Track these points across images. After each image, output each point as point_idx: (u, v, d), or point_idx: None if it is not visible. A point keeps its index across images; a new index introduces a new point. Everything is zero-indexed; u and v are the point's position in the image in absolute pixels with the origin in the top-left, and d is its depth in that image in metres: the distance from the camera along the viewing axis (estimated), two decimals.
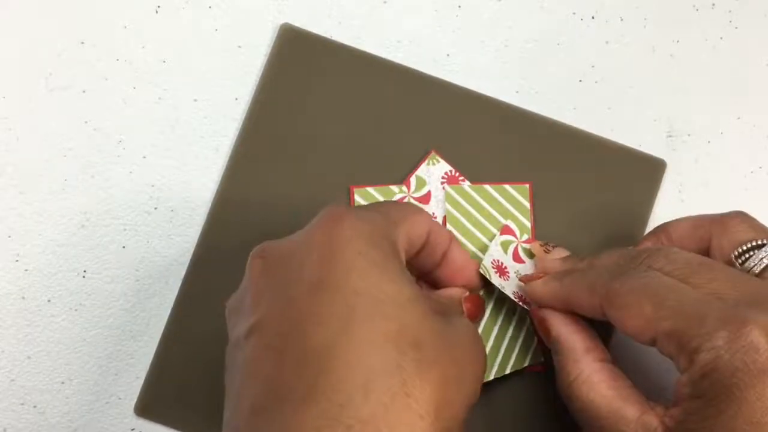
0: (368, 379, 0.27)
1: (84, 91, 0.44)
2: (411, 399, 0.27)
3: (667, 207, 0.43)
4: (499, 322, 0.40)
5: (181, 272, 0.42)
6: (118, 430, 0.41)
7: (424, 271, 0.37)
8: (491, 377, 0.39)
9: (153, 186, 0.43)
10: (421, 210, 0.35)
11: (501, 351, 0.40)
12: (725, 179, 0.44)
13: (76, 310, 0.42)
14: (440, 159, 0.42)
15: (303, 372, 0.27)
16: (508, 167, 0.43)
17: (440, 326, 0.30)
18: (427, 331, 0.29)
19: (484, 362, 0.33)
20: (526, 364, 0.40)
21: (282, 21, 0.45)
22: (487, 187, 0.42)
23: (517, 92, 0.45)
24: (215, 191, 0.43)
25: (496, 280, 0.39)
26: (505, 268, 0.40)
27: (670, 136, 0.45)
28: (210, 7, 0.45)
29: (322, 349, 0.28)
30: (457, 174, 0.42)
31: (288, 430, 0.26)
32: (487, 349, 0.39)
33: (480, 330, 0.40)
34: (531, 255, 0.41)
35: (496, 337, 0.40)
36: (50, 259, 0.43)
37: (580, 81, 0.45)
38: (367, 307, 0.29)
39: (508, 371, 0.39)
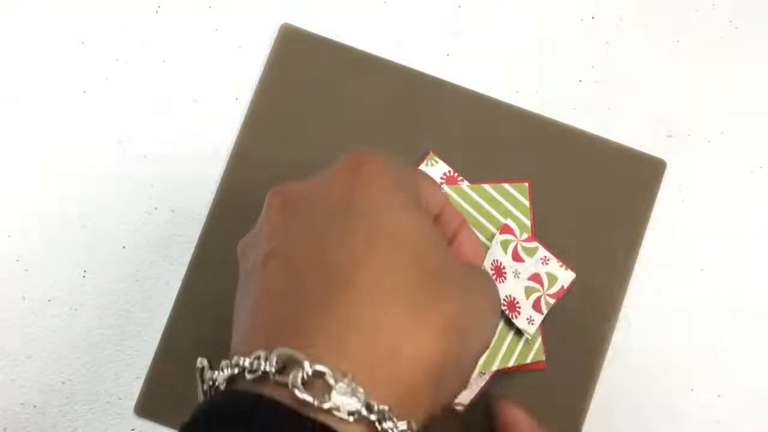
0: (386, 292, 0.27)
1: (84, 91, 0.44)
2: (424, 315, 0.27)
3: (667, 207, 0.43)
4: (503, 318, 0.40)
5: (181, 272, 0.42)
6: (118, 430, 0.41)
7: None
8: (494, 368, 0.39)
9: (153, 186, 0.43)
10: (440, 186, 0.35)
11: (504, 344, 0.40)
12: (725, 179, 0.44)
13: (76, 310, 0.42)
14: (438, 160, 0.42)
15: (321, 286, 0.27)
16: (507, 167, 0.43)
17: (460, 267, 0.30)
18: (447, 265, 0.30)
19: (497, 314, 0.33)
20: (528, 361, 0.40)
21: (282, 21, 0.45)
22: (486, 186, 0.42)
23: (517, 92, 0.45)
24: (215, 191, 0.43)
25: None
26: (503, 268, 0.40)
27: (670, 136, 0.45)
28: (210, 7, 0.45)
29: (341, 266, 0.28)
30: (456, 174, 0.42)
31: (303, 335, 0.26)
32: (492, 342, 0.39)
33: None
34: (531, 254, 0.41)
35: (501, 331, 0.40)
36: (50, 259, 0.43)
37: (580, 81, 0.45)
38: (389, 233, 0.29)
39: (511, 364, 0.39)
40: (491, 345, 0.39)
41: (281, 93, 0.44)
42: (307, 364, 0.25)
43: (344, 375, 0.25)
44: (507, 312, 0.39)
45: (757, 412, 0.42)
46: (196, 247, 0.42)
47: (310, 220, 0.30)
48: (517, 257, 0.41)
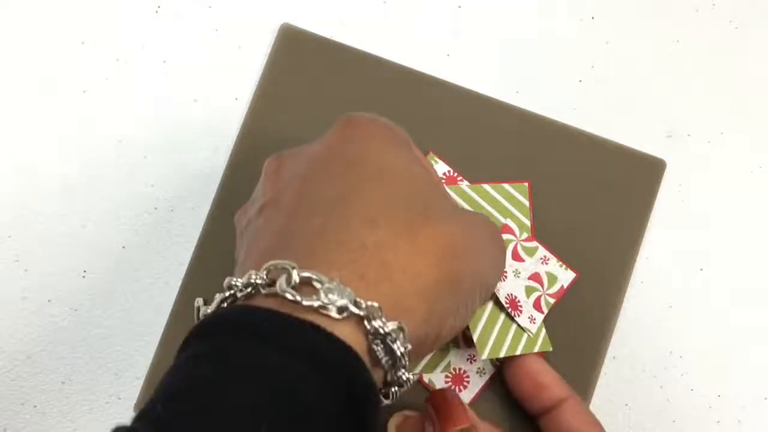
0: (375, 217, 0.27)
1: (84, 91, 0.44)
2: (414, 236, 0.27)
3: (667, 207, 0.43)
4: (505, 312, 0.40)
5: (181, 272, 0.42)
6: None
7: None
8: (501, 355, 0.38)
9: (153, 186, 0.43)
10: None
11: (510, 333, 0.39)
12: (725, 179, 0.44)
13: (76, 310, 0.42)
14: (438, 159, 0.42)
15: (313, 218, 0.28)
16: (507, 167, 0.43)
17: (453, 203, 0.31)
18: (439, 198, 0.30)
19: (499, 246, 0.33)
20: (535, 350, 0.39)
21: (282, 21, 0.45)
22: (486, 186, 0.42)
23: (517, 92, 0.45)
24: (215, 191, 0.43)
25: None
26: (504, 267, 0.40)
27: (670, 136, 0.45)
28: (210, 7, 0.45)
29: (332, 202, 0.28)
30: (456, 174, 0.42)
31: (294, 253, 0.26)
32: (495, 331, 0.39)
33: (487, 314, 0.39)
34: (531, 253, 0.41)
35: (505, 320, 0.39)
36: (50, 259, 0.43)
37: (580, 81, 0.45)
38: (382, 173, 0.29)
39: (518, 353, 0.39)
40: (497, 284, 0.39)
41: (281, 93, 0.44)
42: (295, 272, 0.25)
43: (332, 280, 0.25)
44: (510, 309, 0.39)
45: (757, 412, 0.42)
46: (196, 247, 0.42)
47: (302, 170, 0.30)
48: (517, 257, 0.41)
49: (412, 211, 0.28)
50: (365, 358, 0.25)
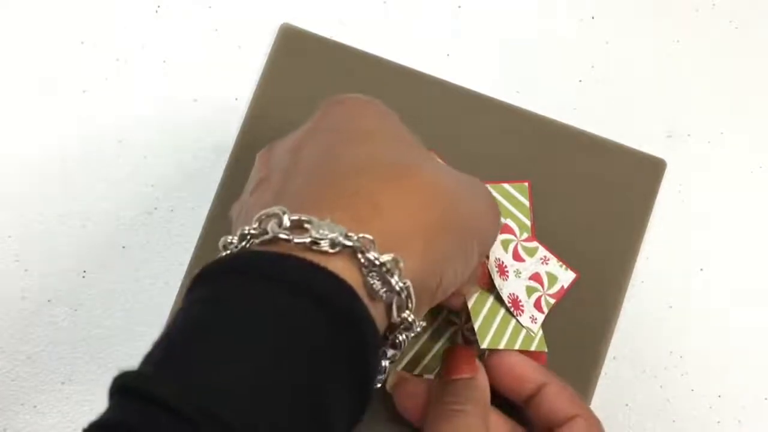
0: (365, 166, 0.28)
1: (84, 91, 0.44)
2: (403, 180, 0.28)
3: (667, 207, 0.43)
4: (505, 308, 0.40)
5: (181, 272, 0.42)
6: None
7: None
8: (501, 346, 0.38)
9: (153, 186, 0.43)
10: None
11: (510, 326, 0.39)
12: (725, 179, 0.44)
13: (76, 310, 0.42)
14: (440, 160, 0.42)
15: (303, 176, 0.28)
16: (507, 167, 0.43)
17: (447, 167, 0.31)
18: (429, 160, 0.30)
19: (488, 198, 0.33)
20: (532, 349, 0.39)
21: (282, 21, 0.45)
22: (486, 186, 0.42)
23: (518, 92, 0.45)
24: (215, 191, 0.43)
25: (497, 280, 0.39)
26: (505, 267, 0.40)
27: (670, 136, 0.45)
28: (210, 7, 0.45)
29: (321, 158, 0.29)
30: None
31: (286, 205, 0.26)
32: (496, 323, 0.39)
33: (488, 306, 0.39)
34: (531, 253, 0.41)
35: (504, 314, 0.39)
36: (50, 259, 0.43)
37: (580, 81, 0.45)
38: (367, 134, 0.30)
39: (516, 347, 0.39)
40: (496, 242, 0.39)
41: (281, 93, 0.44)
42: (285, 216, 0.25)
43: (323, 219, 0.25)
44: (512, 309, 0.39)
45: (757, 412, 0.42)
46: (196, 247, 0.42)
47: (289, 146, 0.31)
48: (517, 257, 0.41)
49: (400, 163, 0.28)
50: (361, 292, 0.25)
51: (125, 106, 0.44)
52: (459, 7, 0.46)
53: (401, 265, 0.25)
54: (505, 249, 0.41)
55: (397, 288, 0.25)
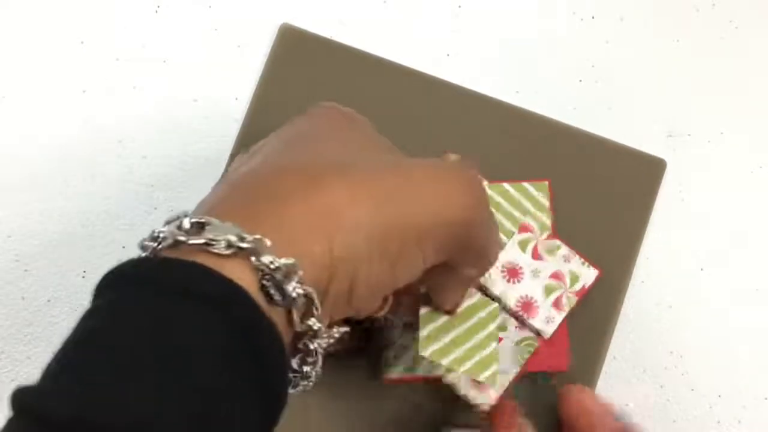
0: (287, 166, 0.28)
1: (84, 91, 0.44)
2: (322, 187, 0.26)
3: (667, 207, 0.43)
4: (486, 331, 0.38)
5: None
6: None
7: None
8: (443, 362, 0.36)
9: (153, 186, 0.43)
10: None
11: (462, 348, 0.37)
12: (725, 179, 0.44)
13: (76, 310, 0.42)
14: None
15: (228, 184, 0.28)
16: (507, 167, 0.43)
17: (401, 161, 0.30)
18: (373, 156, 0.29)
19: (456, 214, 0.29)
20: (479, 379, 0.37)
21: (282, 21, 0.45)
22: (506, 185, 0.42)
23: (518, 92, 0.45)
24: None
25: (500, 286, 0.39)
26: (520, 269, 0.40)
27: (670, 136, 0.45)
28: (210, 6, 0.45)
29: (255, 168, 0.28)
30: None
31: (201, 210, 0.27)
32: (447, 338, 0.37)
33: (443, 320, 0.37)
34: (552, 252, 0.41)
35: (461, 334, 0.38)
36: (50, 259, 0.43)
37: (580, 81, 0.45)
38: (307, 136, 0.30)
39: (461, 371, 0.37)
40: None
41: (281, 93, 0.44)
42: (186, 219, 0.24)
43: (223, 221, 0.24)
44: (521, 314, 0.39)
45: (757, 412, 0.42)
46: None
47: (249, 154, 0.31)
48: (536, 256, 0.40)
49: (325, 164, 0.28)
50: (257, 296, 0.24)
51: (125, 106, 0.44)
52: (459, 6, 0.46)
53: (299, 270, 0.24)
54: (523, 249, 0.41)
55: (294, 294, 0.24)
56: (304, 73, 0.44)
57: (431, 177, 0.29)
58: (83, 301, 0.43)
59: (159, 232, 0.25)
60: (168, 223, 0.26)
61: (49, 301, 0.42)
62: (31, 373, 0.42)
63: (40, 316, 0.42)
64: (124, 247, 0.43)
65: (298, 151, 0.29)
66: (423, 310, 0.36)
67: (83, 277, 0.43)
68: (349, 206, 0.26)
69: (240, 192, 0.27)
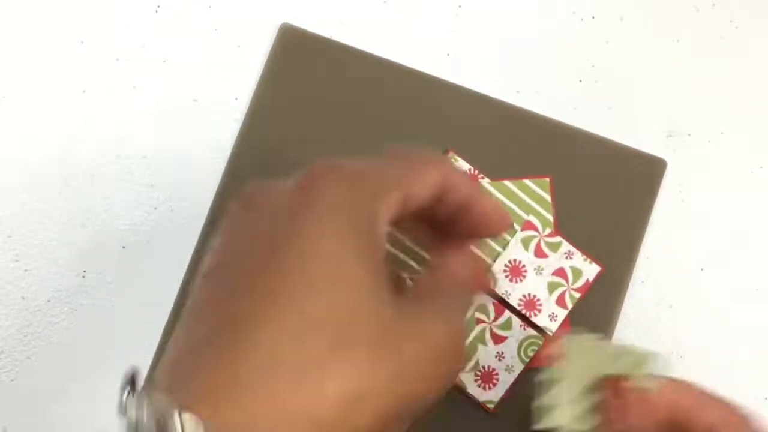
0: (278, 356, 0.25)
1: (84, 91, 0.44)
2: (324, 374, 0.25)
3: (667, 207, 0.43)
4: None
5: (181, 272, 0.42)
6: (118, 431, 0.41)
7: (449, 222, 0.32)
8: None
9: (153, 186, 0.43)
10: (432, 161, 0.31)
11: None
12: (725, 179, 0.44)
13: (76, 310, 0.42)
14: (458, 158, 0.42)
15: (221, 336, 0.26)
16: (507, 167, 0.43)
17: (392, 312, 0.27)
18: (366, 311, 0.26)
19: (446, 369, 0.28)
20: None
21: (282, 21, 0.45)
22: (507, 183, 0.42)
23: (518, 92, 0.45)
24: (215, 191, 0.43)
25: (503, 287, 0.39)
26: (523, 267, 0.40)
27: (670, 136, 0.45)
28: (210, 6, 0.45)
29: (240, 322, 0.26)
30: (477, 172, 0.42)
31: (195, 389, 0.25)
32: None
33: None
34: (554, 249, 0.41)
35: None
36: (50, 259, 0.43)
37: (580, 81, 0.45)
38: (303, 282, 0.26)
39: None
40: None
41: (281, 93, 0.44)
42: (177, 418, 0.23)
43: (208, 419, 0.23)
44: (524, 311, 0.39)
45: (756, 412, 0.42)
46: (195, 247, 0.42)
47: (245, 247, 0.29)
48: (540, 253, 0.41)
49: (323, 334, 0.25)
50: None
51: (125, 106, 0.44)
52: (459, 6, 0.46)
53: None
54: (526, 247, 0.41)
55: None
56: (304, 73, 0.44)
57: (437, 344, 0.27)
58: (83, 301, 0.43)
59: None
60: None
61: (49, 301, 0.42)
62: (31, 373, 0.42)
63: (40, 316, 0.42)
64: (124, 247, 0.43)
65: (273, 321, 0.26)
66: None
67: (83, 277, 0.43)
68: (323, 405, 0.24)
69: (208, 364, 0.25)
